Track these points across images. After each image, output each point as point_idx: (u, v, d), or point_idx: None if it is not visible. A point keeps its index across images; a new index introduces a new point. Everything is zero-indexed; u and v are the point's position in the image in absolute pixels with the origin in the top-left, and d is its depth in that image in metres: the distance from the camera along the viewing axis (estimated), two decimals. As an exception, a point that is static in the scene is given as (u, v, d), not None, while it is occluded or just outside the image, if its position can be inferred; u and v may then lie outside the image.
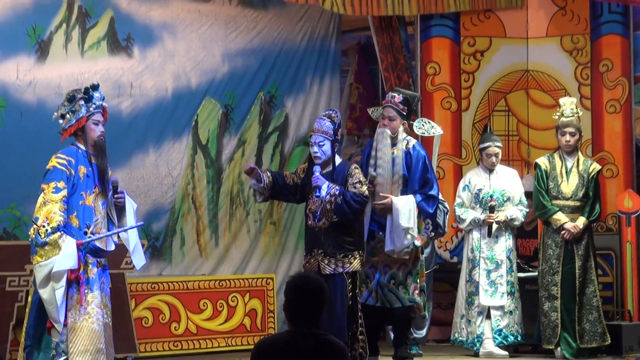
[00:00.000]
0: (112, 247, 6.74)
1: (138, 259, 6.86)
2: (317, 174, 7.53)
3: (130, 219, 6.85)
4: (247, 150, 10.18)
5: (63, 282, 6.46)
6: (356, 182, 7.54)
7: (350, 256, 7.55)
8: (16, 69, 8.83)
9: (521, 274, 9.01)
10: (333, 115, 7.66)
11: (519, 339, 8.81)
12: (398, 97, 8.13)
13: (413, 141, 8.22)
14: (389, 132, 8.11)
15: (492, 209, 8.79)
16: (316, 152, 7.58)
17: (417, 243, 8.02)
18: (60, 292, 6.44)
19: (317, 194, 7.51)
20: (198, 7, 9.89)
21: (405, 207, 7.94)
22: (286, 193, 7.81)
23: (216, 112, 9.99)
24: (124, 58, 9.44)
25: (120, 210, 6.81)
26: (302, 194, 7.78)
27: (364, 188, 7.56)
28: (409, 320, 8.19)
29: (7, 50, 8.80)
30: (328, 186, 7.49)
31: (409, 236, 7.94)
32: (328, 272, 7.49)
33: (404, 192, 8.05)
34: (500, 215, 8.80)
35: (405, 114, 8.15)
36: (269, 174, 7.79)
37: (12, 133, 8.79)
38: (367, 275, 8.08)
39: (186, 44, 9.82)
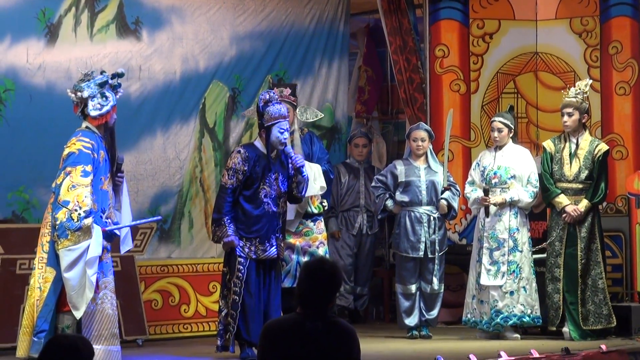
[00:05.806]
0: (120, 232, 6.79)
1: (126, 244, 6.90)
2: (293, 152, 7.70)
3: (125, 203, 6.86)
4: (254, 134, 10.16)
5: (96, 268, 6.45)
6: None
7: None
8: (26, 53, 8.84)
9: (534, 256, 8.95)
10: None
11: (524, 320, 8.70)
12: (287, 90, 8.65)
13: (305, 129, 8.90)
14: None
15: (486, 192, 8.75)
16: (287, 138, 7.61)
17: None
18: (94, 279, 6.43)
19: (304, 174, 7.63)
20: (206, -10, 9.88)
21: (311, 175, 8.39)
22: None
23: (223, 95, 9.98)
24: (132, 41, 9.44)
25: (115, 190, 6.82)
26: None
27: None
28: None
29: (17, 34, 8.81)
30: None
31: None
32: (281, 257, 7.75)
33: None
34: (496, 198, 8.74)
35: (295, 104, 8.75)
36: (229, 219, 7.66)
37: (22, 116, 8.79)
38: (282, 258, 8.19)
39: (194, 28, 9.80)
